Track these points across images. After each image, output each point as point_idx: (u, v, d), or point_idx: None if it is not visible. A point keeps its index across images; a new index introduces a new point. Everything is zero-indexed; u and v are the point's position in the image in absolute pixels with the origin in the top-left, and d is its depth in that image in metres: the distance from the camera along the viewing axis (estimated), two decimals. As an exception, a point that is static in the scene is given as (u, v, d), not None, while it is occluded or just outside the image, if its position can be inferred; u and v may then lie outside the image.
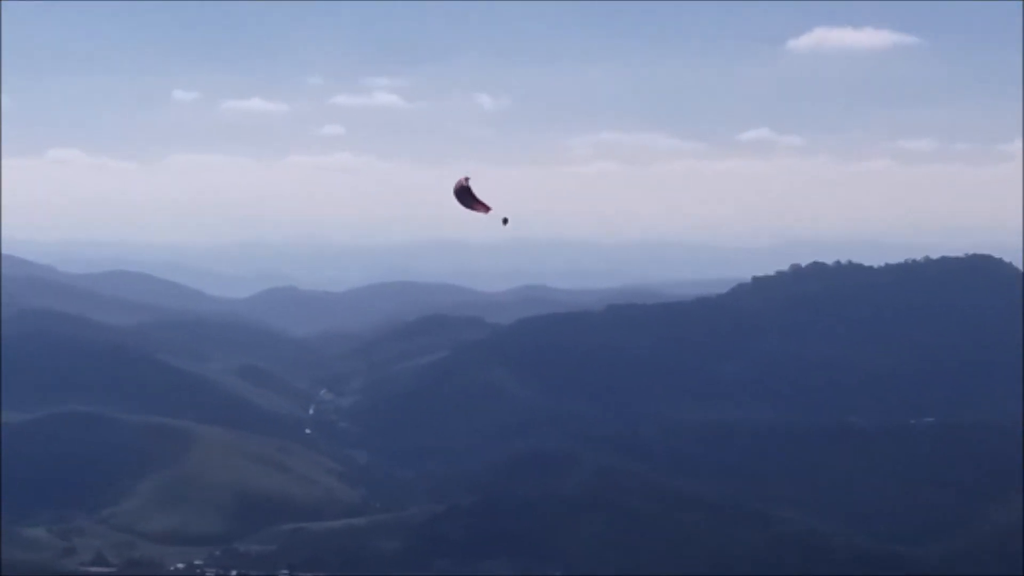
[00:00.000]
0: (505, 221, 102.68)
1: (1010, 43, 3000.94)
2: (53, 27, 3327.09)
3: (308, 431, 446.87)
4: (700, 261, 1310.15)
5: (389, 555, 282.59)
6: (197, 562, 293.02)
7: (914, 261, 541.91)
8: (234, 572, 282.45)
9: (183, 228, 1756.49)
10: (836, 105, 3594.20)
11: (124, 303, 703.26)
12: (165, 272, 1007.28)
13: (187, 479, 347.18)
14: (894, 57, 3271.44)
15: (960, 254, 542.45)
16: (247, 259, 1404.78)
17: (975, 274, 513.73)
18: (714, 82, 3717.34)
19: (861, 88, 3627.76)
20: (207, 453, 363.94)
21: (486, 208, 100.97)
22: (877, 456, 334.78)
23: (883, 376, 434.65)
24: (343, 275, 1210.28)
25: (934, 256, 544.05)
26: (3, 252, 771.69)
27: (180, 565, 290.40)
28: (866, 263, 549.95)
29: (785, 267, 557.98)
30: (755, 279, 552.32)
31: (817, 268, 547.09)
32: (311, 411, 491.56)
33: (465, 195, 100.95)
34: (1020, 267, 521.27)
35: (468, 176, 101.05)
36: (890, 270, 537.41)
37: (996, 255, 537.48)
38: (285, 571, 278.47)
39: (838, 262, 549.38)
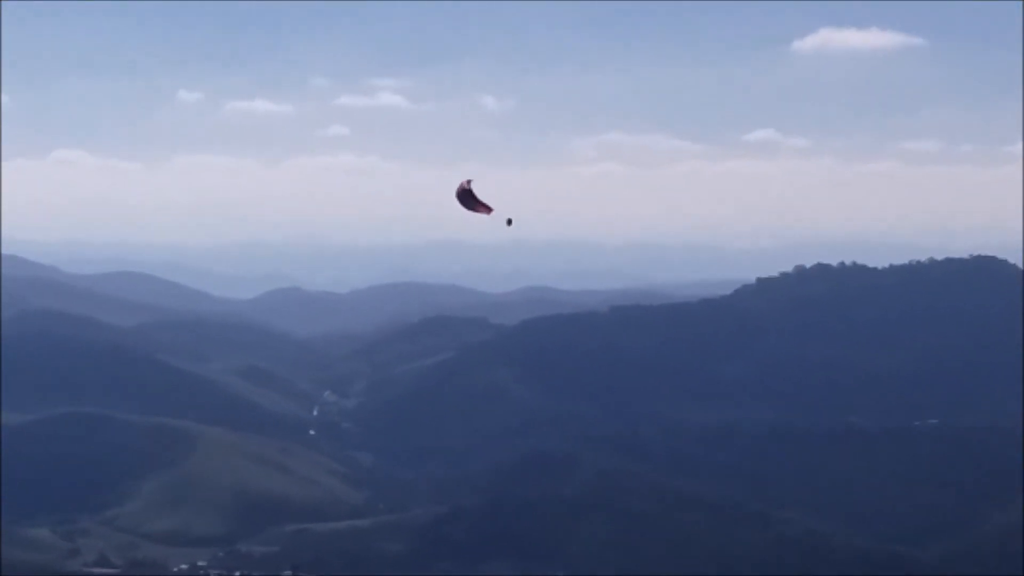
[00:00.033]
0: (509, 222, 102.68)
1: (1015, 45, 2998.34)
2: (57, 28, 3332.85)
3: (311, 432, 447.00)
4: (704, 262, 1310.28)
5: (392, 556, 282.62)
6: (200, 563, 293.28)
7: (918, 262, 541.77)
8: (237, 573, 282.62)
9: (186, 229, 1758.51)
10: (841, 106, 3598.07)
11: (127, 304, 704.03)
12: (168, 273, 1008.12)
13: (190, 480, 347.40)
14: (899, 58, 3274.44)
15: (964, 255, 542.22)
16: (250, 260, 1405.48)
17: (979, 275, 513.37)
18: (718, 83, 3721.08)
19: (866, 89, 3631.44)
20: (210, 454, 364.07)
21: (488, 209, 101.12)
22: (879, 457, 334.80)
23: (885, 377, 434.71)
24: (346, 276, 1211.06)
25: (938, 257, 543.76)
26: (6, 252, 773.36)
27: (183, 566, 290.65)
28: (870, 264, 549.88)
29: (789, 268, 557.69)
30: (759, 280, 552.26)
31: (821, 269, 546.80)
32: (314, 412, 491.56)
33: (467, 197, 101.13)
34: (1023, 268, 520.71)
35: (470, 179, 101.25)
36: (894, 271, 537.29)
37: (1000, 256, 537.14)
38: (288, 572, 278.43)
39: (842, 263, 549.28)
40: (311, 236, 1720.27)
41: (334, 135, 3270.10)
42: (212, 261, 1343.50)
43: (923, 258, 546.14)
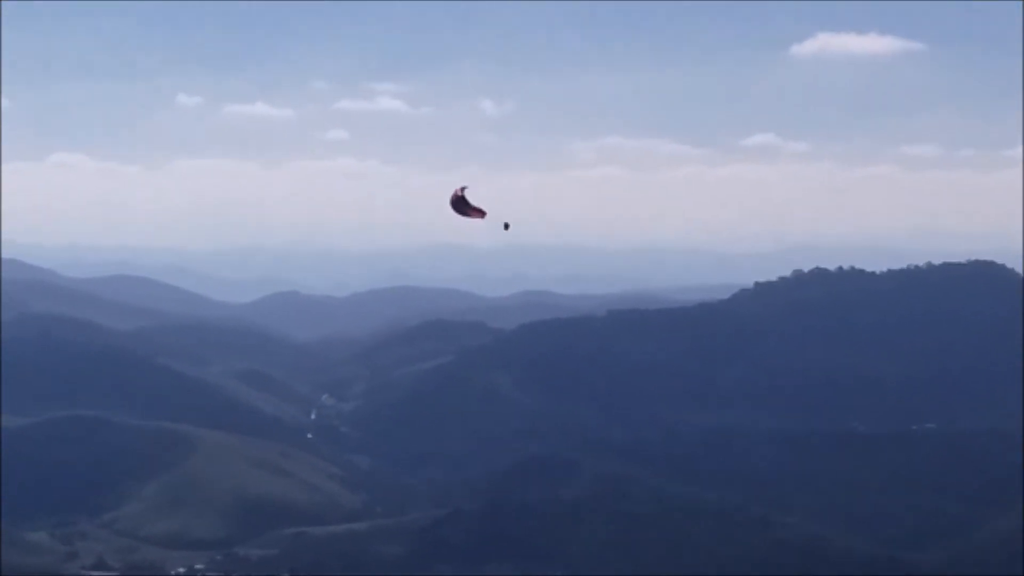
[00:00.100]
0: (507, 226, 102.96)
1: (1015, 49, 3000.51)
2: (57, 30, 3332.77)
3: (310, 436, 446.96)
4: (703, 266, 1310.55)
5: (391, 560, 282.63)
6: (198, 566, 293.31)
7: (916, 267, 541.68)
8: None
9: (186, 232, 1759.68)
10: (840, 111, 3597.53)
11: (126, 307, 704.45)
12: (167, 276, 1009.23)
13: (189, 483, 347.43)
14: (898, 62, 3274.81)
15: (963, 260, 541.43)
16: (249, 264, 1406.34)
17: (978, 280, 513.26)
18: (718, 87, 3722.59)
19: (865, 93, 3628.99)
20: (209, 457, 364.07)
21: (481, 213, 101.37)
22: (878, 461, 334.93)
23: (884, 381, 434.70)
24: (345, 280, 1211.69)
25: (936, 262, 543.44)
26: (5, 256, 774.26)
27: (181, 569, 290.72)
28: (868, 269, 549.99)
29: (787, 273, 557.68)
30: (757, 285, 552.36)
31: (819, 274, 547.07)
32: (313, 416, 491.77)
33: (461, 204, 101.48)
34: (1023, 273, 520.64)
35: (464, 187, 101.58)
36: (892, 276, 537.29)
37: (999, 261, 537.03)
38: (286, 575, 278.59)
39: (840, 268, 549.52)
40: (310, 240, 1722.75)
41: (333, 139, 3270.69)
42: (211, 265, 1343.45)
43: (922, 263, 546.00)
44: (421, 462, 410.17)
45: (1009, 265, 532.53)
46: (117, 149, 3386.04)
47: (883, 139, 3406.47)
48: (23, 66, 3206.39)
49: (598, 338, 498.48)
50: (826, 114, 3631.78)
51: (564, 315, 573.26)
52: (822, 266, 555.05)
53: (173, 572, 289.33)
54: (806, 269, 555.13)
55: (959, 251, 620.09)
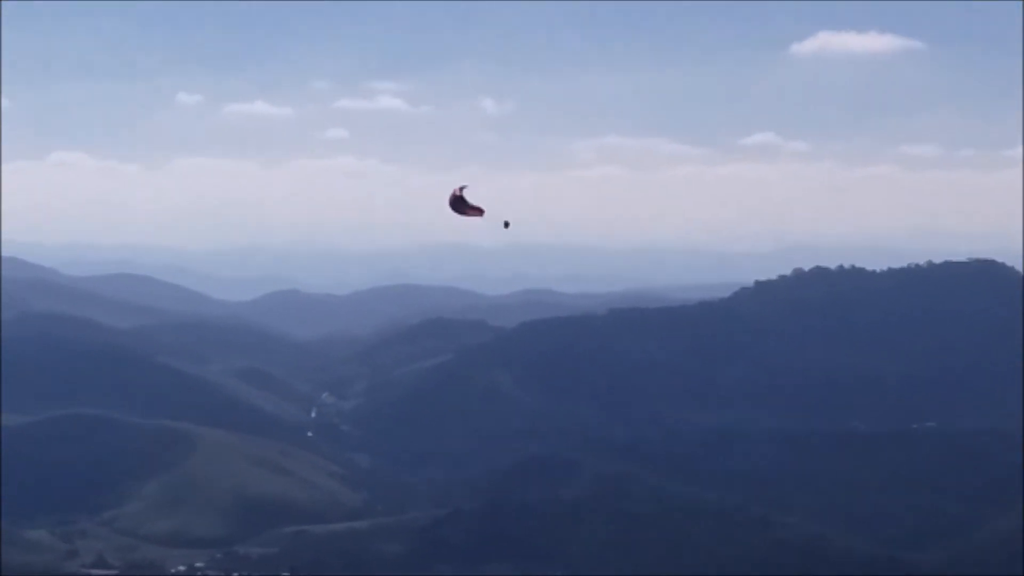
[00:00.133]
0: (507, 224, 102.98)
1: (1015, 48, 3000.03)
2: (57, 29, 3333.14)
3: (310, 434, 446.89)
4: (703, 265, 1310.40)
5: (391, 559, 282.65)
6: (198, 564, 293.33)
7: (917, 266, 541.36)
8: (235, 575, 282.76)
9: (186, 231, 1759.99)
10: (840, 110, 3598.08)
11: (127, 306, 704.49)
12: (168, 275, 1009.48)
13: (189, 482, 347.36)
14: (898, 62, 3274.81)
15: (963, 259, 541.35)
16: (250, 262, 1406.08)
17: (978, 279, 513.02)
18: (718, 87, 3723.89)
19: (865, 93, 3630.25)
20: (209, 456, 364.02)
21: (480, 211, 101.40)
22: (878, 460, 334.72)
23: (885, 380, 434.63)
24: (346, 278, 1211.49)
25: (937, 261, 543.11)
26: (6, 254, 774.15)
27: (182, 568, 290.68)
28: (868, 268, 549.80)
29: (788, 272, 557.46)
30: (758, 283, 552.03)
31: (820, 273, 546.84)
32: (313, 414, 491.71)
33: (459, 204, 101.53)
34: (1023, 272, 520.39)
35: (463, 186, 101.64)
36: (892, 275, 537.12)
37: (999, 260, 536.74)
38: (287, 574, 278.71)
39: (841, 267, 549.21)
40: (310, 238, 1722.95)
41: (333, 138, 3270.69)
42: (212, 263, 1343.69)
43: (922, 262, 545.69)
44: (421, 461, 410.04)
45: (1010, 264, 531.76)
46: (117, 148, 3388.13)
47: (883, 138, 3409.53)
48: (23, 65, 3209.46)
49: (599, 337, 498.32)
50: (826, 113, 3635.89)
51: (565, 314, 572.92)
52: (822, 265, 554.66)
53: (173, 570, 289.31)
54: (806, 268, 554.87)
55: (959, 251, 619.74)
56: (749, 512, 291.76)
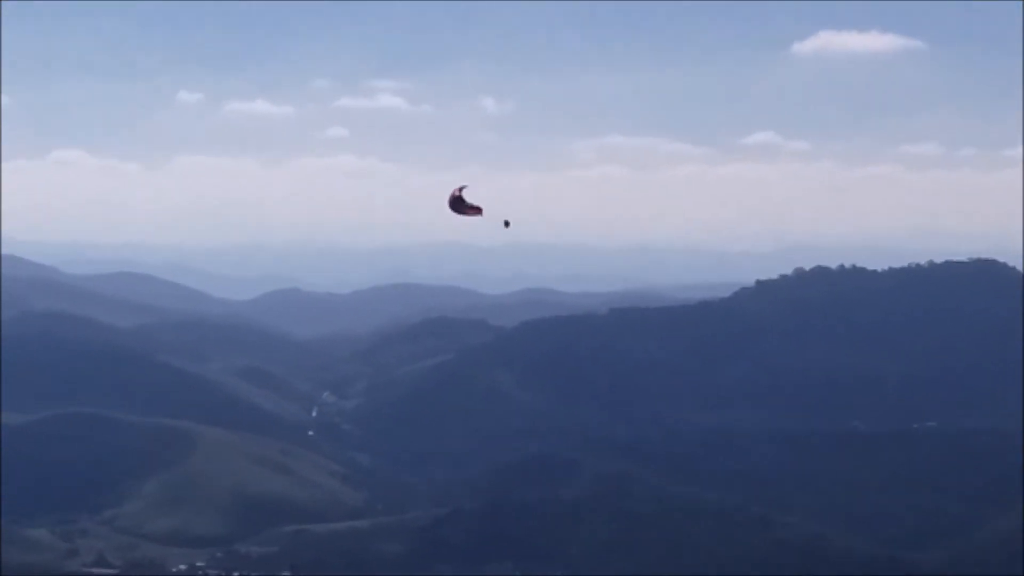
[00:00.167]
0: (507, 224, 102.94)
1: (1015, 48, 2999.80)
2: (58, 28, 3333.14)
3: (311, 433, 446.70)
4: (703, 265, 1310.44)
5: (391, 558, 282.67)
6: (199, 563, 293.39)
7: (918, 265, 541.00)
8: (236, 574, 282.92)
9: (187, 230, 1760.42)
10: (841, 109, 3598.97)
11: (127, 304, 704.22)
12: (168, 274, 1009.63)
13: (190, 481, 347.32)
14: (899, 61, 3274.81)
15: (964, 258, 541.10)
16: (250, 261, 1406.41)
17: (979, 278, 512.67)
18: (718, 86, 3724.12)
19: (866, 92, 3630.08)
20: (210, 455, 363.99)
21: (479, 210, 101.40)
22: (879, 460, 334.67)
23: (885, 380, 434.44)
24: (346, 277, 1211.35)
25: (938, 260, 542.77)
26: (6, 253, 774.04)
27: (182, 566, 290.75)
28: (869, 267, 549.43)
29: (789, 271, 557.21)
30: (758, 283, 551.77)
31: (820, 272, 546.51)
32: (314, 413, 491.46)
33: (458, 204, 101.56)
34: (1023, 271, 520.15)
35: (462, 187, 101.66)
36: (893, 274, 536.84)
37: (1000, 259, 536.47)
38: (287, 573, 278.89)
39: (842, 266, 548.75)
40: (311, 237, 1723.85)
41: (334, 136, 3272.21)
42: (212, 262, 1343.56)
43: (923, 261, 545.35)
44: (422, 460, 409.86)
45: (1010, 264, 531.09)
46: (118, 147, 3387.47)
47: (884, 138, 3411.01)
48: (24, 64, 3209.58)
49: (599, 336, 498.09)
50: (827, 113, 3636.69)
51: (565, 313, 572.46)
52: (823, 264, 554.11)
53: (174, 569, 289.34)
54: (807, 268, 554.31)
55: (959, 251, 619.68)
56: (749, 512, 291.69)
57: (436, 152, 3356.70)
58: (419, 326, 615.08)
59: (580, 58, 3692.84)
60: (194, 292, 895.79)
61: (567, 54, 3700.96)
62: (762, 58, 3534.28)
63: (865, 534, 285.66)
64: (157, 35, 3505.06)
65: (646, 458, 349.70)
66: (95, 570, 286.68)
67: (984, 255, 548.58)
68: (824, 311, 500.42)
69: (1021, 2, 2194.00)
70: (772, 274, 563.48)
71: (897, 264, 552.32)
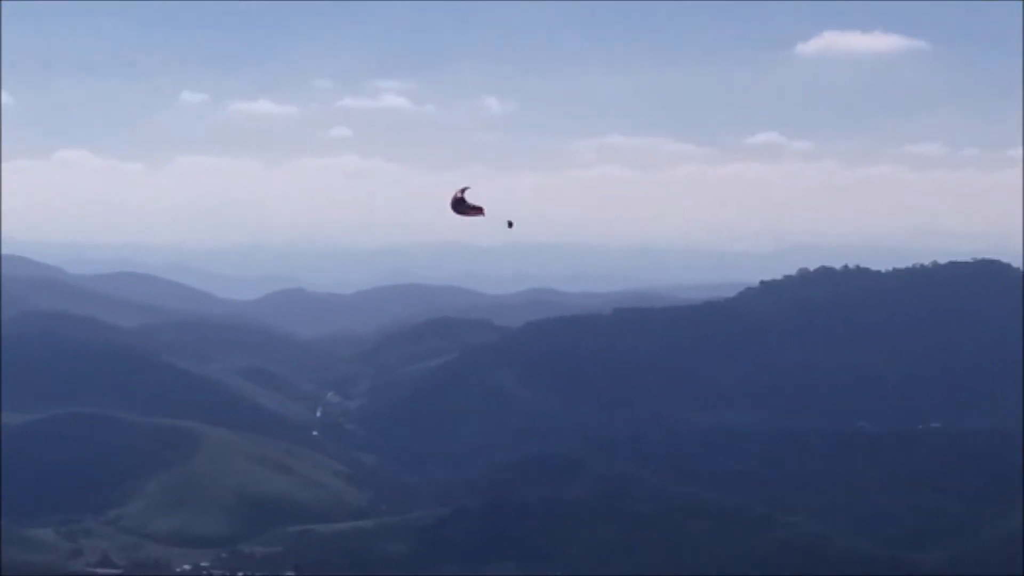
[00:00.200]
0: (510, 224, 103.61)
1: (1018, 48, 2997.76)
2: (59, 28, 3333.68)
3: (315, 433, 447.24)
4: (707, 265, 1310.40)
5: (395, 558, 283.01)
6: (203, 563, 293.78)
7: (921, 266, 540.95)
8: (240, 574, 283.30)
9: (189, 230, 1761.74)
10: (844, 109, 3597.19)
11: (130, 305, 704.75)
12: (171, 274, 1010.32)
13: (193, 481, 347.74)
14: (902, 61, 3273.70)
15: (967, 259, 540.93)
16: (253, 261, 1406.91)
17: (982, 279, 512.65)
18: (721, 86, 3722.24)
19: (869, 92, 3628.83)
20: (213, 455, 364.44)
21: (480, 211, 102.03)
22: (881, 460, 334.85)
23: (888, 380, 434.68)
24: (349, 277, 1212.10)
25: (941, 260, 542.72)
26: (8, 252, 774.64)
27: (186, 566, 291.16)
28: (873, 268, 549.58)
29: (792, 271, 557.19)
30: (762, 283, 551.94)
31: (824, 273, 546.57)
32: (318, 413, 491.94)
33: (460, 205, 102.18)
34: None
35: (464, 188, 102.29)
36: (897, 275, 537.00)
37: (1003, 260, 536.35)
38: (291, 573, 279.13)
39: (845, 267, 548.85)
40: (314, 237, 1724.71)
41: (337, 136, 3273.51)
42: (214, 262, 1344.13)
43: (926, 261, 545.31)
44: (425, 460, 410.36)
45: (1013, 264, 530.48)
46: (121, 147, 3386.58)
47: (887, 138, 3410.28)
48: (26, 63, 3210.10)
49: (602, 336, 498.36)
50: (830, 113, 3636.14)
51: (568, 313, 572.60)
52: (826, 265, 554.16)
53: (178, 569, 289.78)
54: (811, 268, 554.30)
55: (960, 250, 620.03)
56: (750, 512, 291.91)
57: (438, 152, 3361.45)
58: (422, 326, 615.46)
59: (582, 58, 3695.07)
60: (196, 292, 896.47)
61: (569, 54, 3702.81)
62: (765, 58, 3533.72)
63: (866, 534, 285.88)
64: (160, 35, 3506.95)
65: (647, 458, 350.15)
66: (99, 570, 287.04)
67: (985, 255, 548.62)
68: (827, 312, 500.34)
69: (1022, 2, 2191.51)
70: (772, 274, 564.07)
71: (900, 264, 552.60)
